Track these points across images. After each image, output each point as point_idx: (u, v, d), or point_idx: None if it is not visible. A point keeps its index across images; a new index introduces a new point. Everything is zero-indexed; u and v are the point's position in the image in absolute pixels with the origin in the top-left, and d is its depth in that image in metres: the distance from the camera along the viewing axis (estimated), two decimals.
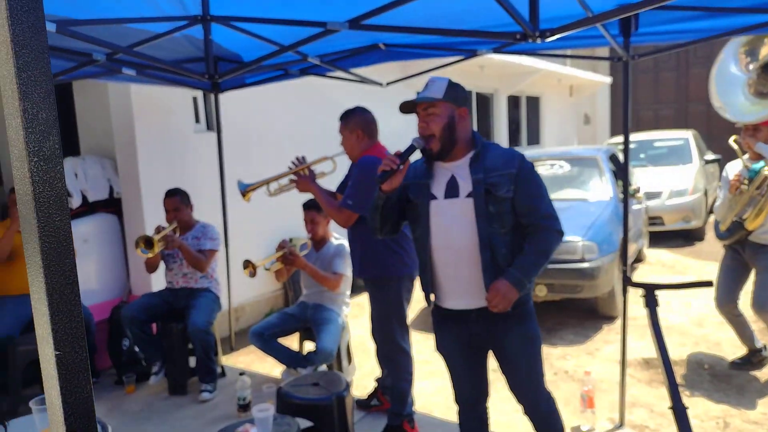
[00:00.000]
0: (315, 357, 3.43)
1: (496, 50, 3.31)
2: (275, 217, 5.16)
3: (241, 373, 3.41)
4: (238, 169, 4.74)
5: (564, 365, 3.97)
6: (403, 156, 1.97)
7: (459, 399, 2.30)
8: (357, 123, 2.91)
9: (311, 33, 2.60)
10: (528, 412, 2.24)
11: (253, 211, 4.99)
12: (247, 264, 3.36)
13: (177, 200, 3.74)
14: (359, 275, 3.03)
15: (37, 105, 0.64)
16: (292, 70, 3.77)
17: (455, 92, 2.05)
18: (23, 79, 0.62)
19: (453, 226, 2.03)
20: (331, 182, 3.29)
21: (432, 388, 3.67)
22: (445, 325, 2.20)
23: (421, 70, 4.37)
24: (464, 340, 2.15)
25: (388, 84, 4.18)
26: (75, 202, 4.25)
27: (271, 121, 5.22)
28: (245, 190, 3.13)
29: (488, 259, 2.00)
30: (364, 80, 3.83)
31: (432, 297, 2.19)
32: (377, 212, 2.11)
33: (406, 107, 2.09)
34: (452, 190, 2.05)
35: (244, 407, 3.33)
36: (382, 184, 1.99)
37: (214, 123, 4.39)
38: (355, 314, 5.10)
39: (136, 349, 3.80)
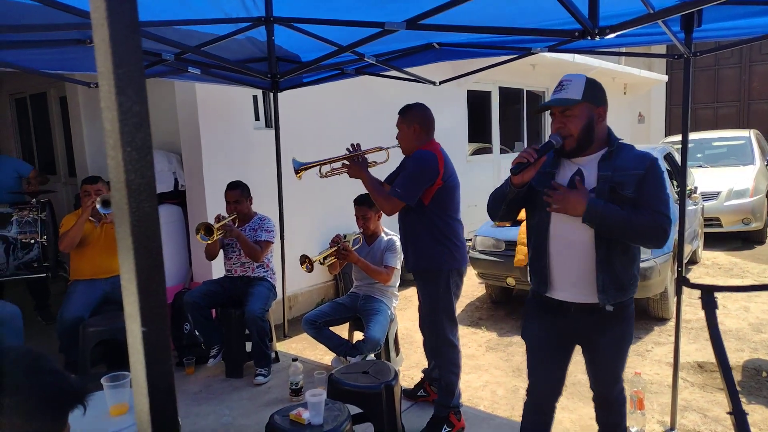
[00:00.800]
0: (363, 345, 3.54)
1: (551, 48, 3.31)
2: (329, 212, 5.31)
3: (294, 359, 3.55)
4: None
5: None
6: (540, 151, 1.96)
7: (531, 390, 2.31)
8: (415, 117, 2.96)
9: (369, 33, 2.69)
10: (599, 398, 2.26)
11: (307, 205, 5.16)
12: (304, 260, 3.49)
13: (238, 193, 3.91)
14: (410, 268, 3.10)
15: (131, 99, 0.68)
16: (348, 69, 3.88)
17: (594, 91, 2.01)
18: (119, 74, 0.67)
19: (572, 219, 2.00)
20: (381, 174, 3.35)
21: (479, 383, 3.71)
22: (541, 313, 2.20)
23: (473, 69, 4.40)
24: (556, 331, 2.16)
25: (441, 83, 4.23)
26: None
27: (325, 119, 5.36)
28: (299, 168, 3.19)
29: (603, 255, 1.99)
30: (417, 79, 3.90)
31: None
32: (503, 203, 2.12)
33: (542, 110, 2.08)
34: (573, 184, 2.03)
35: (296, 392, 3.47)
36: (514, 176, 1.99)
37: (272, 121, 4.55)
38: (403, 306, 5.19)
39: (196, 333, 4.01)
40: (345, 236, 3.73)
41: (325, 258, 3.60)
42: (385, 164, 3.25)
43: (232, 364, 3.88)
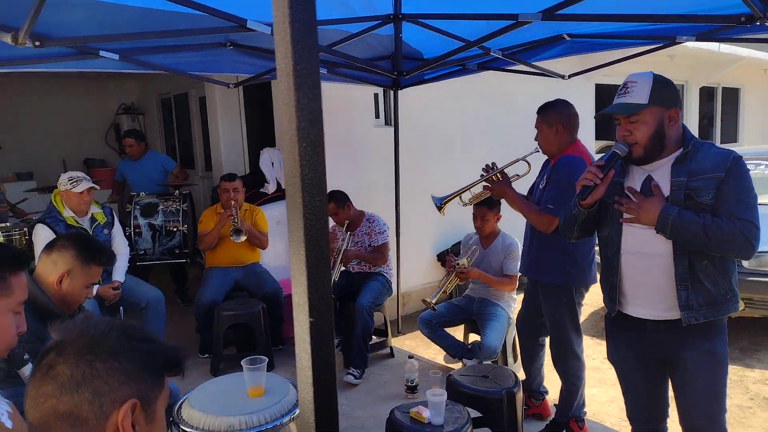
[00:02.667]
0: (479, 351, 3.46)
1: (700, 37, 2.99)
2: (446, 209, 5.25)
3: (410, 356, 3.56)
4: (412, 162, 4.91)
5: (762, 390, 3.49)
6: (606, 167, 1.82)
7: (631, 416, 2.14)
8: (556, 116, 2.75)
9: (499, 26, 2.60)
10: None
11: (424, 203, 5.12)
12: (428, 303, 3.47)
13: (332, 206, 3.97)
14: (535, 277, 2.96)
15: (308, 95, 0.71)
16: (470, 65, 3.80)
17: (663, 91, 1.80)
18: (298, 72, 0.69)
19: (647, 230, 1.82)
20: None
21: (604, 397, 3.48)
22: (620, 332, 2.05)
23: (604, 61, 4.11)
24: (639, 350, 2.00)
25: (570, 76, 4.01)
26: (271, 188, 4.77)
27: (443, 115, 5.32)
28: (441, 203, 3.17)
29: (685, 269, 1.80)
30: (545, 73, 3.72)
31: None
32: (575, 225, 2.01)
33: (604, 117, 1.94)
34: (647, 192, 1.85)
35: (412, 389, 3.47)
36: (582, 201, 1.87)
37: (392, 118, 4.59)
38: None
39: None
40: (458, 262, 3.57)
41: (446, 288, 3.55)
42: (529, 173, 3.08)
43: (349, 355, 3.97)
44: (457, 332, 3.90)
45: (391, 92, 4.53)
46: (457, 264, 3.52)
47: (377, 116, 4.97)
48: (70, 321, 0.93)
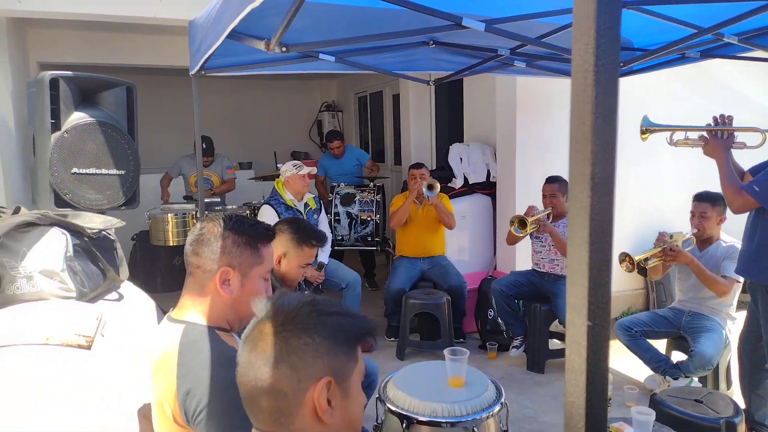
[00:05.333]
0: (690, 362, 3.14)
1: None
2: (642, 209, 4.81)
3: None
4: None
5: None
6: None
7: None
8: None
9: (745, 9, 2.28)
10: None
11: (619, 204, 4.76)
12: (625, 257, 3.22)
13: (555, 187, 3.85)
14: (749, 277, 2.64)
15: (606, 91, 0.67)
16: (691, 53, 3.40)
17: None
18: (599, 66, 0.66)
19: None
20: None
21: None
22: None
23: None
24: None
25: None
26: (458, 183, 4.84)
27: (649, 111, 4.83)
28: (649, 127, 2.96)
29: None
30: None
31: None
32: None
33: None
34: None
35: None
36: None
37: None
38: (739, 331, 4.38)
39: (499, 320, 4.12)
40: (671, 236, 3.29)
41: (647, 258, 3.26)
42: (760, 147, 2.72)
43: (533, 357, 3.87)
44: (658, 346, 3.56)
45: None
46: (670, 237, 3.20)
47: None
48: (267, 299, 0.97)
